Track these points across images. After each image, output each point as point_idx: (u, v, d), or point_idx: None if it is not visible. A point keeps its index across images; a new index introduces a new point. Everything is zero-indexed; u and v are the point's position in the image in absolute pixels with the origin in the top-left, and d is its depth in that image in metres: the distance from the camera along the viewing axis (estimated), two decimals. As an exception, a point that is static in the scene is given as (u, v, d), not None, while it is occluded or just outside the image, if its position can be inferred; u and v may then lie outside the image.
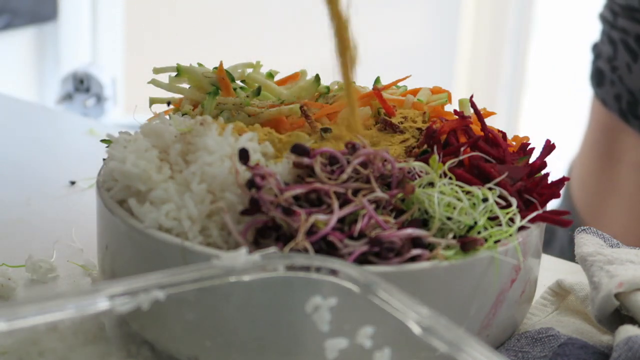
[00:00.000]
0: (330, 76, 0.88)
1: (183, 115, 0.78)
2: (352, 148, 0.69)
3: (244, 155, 0.68)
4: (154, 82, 0.82)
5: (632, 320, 0.68)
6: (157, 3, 2.95)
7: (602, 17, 1.28)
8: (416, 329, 0.55)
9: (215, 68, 0.82)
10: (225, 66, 0.82)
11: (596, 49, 1.31)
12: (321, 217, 0.64)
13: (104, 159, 0.73)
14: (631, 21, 1.20)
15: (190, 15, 2.97)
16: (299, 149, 0.69)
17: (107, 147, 0.73)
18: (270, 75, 0.86)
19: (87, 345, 0.66)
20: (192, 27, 2.94)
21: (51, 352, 0.60)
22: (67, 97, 2.10)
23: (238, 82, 0.84)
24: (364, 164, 0.68)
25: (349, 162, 0.68)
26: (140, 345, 0.66)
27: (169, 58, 0.95)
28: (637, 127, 1.18)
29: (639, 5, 1.19)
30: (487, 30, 2.78)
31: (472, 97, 0.80)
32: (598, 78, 1.25)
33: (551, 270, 0.82)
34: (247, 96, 0.80)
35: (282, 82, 0.86)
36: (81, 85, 2.11)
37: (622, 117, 1.19)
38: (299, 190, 0.66)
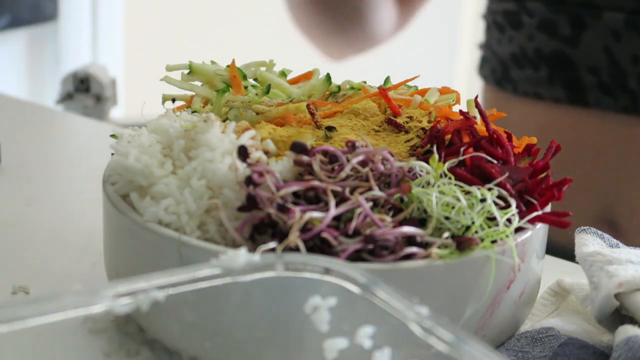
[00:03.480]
0: (342, 75, 0.88)
1: (193, 112, 0.78)
2: (352, 146, 0.69)
3: (242, 152, 0.68)
4: (166, 79, 0.82)
5: (632, 320, 0.68)
6: (157, 3, 2.95)
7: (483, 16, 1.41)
8: (416, 329, 0.55)
9: (228, 66, 0.82)
10: (238, 64, 0.82)
11: (482, 47, 1.44)
12: (316, 214, 0.64)
13: (112, 154, 0.73)
14: (498, 1, 1.34)
15: (191, 15, 2.97)
16: (297, 147, 0.69)
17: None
18: (283, 74, 0.86)
19: (86, 346, 0.66)
20: (192, 27, 2.94)
21: (50, 353, 0.60)
22: (67, 97, 2.10)
23: (251, 80, 0.84)
24: (363, 163, 0.68)
25: (349, 161, 0.68)
26: (140, 345, 0.66)
27: (169, 58, 0.95)
28: (510, 89, 1.34)
29: None
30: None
31: (476, 97, 0.79)
32: (481, 63, 1.41)
33: (551, 270, 0.82)
34: (257, 94, 0.80)
35: (294, 81, 0.86)
36: (81, 85, 2.11)
37: (497, 85, 1.36)
38: (295, 187, 0.66)
